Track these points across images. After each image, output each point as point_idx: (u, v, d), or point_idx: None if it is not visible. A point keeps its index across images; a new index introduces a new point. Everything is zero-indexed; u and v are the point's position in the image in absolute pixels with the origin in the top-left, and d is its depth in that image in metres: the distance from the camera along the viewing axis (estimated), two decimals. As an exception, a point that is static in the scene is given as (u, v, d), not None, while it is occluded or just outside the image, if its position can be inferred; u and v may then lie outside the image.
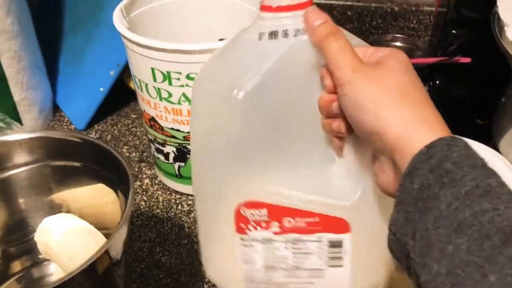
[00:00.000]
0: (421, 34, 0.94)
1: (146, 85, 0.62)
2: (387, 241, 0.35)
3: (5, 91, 0.76)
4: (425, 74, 0.81)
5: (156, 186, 0.73)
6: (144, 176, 0.75)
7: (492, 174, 0.31)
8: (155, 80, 0.60)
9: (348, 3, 0.93)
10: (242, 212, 0.42)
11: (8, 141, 0.48)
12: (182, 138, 0.65)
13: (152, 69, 0.59)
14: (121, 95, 0.85)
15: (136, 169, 0.76)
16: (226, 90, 0.40)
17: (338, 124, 0.39)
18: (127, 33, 0.59)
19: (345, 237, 0.42)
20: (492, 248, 0.28)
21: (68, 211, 0.50)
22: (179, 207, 0.70)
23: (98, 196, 0.49)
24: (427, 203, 0.31)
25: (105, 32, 0.82)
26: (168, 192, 0.72)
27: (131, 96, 0.86)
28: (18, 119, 0.78)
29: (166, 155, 0.68)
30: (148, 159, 0.78)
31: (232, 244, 0.44)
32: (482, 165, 0.31)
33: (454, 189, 0.30)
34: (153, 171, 0.75)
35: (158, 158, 0.70)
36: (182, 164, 0.68)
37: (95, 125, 0.84)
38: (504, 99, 0.72)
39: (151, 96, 0.63)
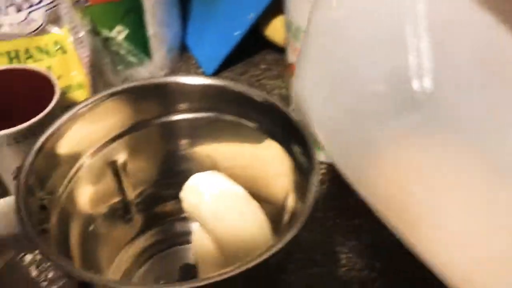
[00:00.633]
0: None
1: (305, 34, 0.55)
2: None
3: (139, 24, 0.71)
4: None
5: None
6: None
7: None
8: (317, 30, 0.53)
9: None
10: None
11: (186, 84, 0.43)
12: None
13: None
14: (252, 42, 0.79)
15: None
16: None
17: None
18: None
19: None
20: None
21: (218, 170, 0.44)
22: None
23: (264, 162, 0.43)
24: None
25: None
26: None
27: (263, 45, 0.80)
28: (147, 55, 0.74)
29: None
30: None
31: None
32: None
33: None
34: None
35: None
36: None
37: (222, 72, 0.78)
38: None
39: (307, 48, 0.55)
